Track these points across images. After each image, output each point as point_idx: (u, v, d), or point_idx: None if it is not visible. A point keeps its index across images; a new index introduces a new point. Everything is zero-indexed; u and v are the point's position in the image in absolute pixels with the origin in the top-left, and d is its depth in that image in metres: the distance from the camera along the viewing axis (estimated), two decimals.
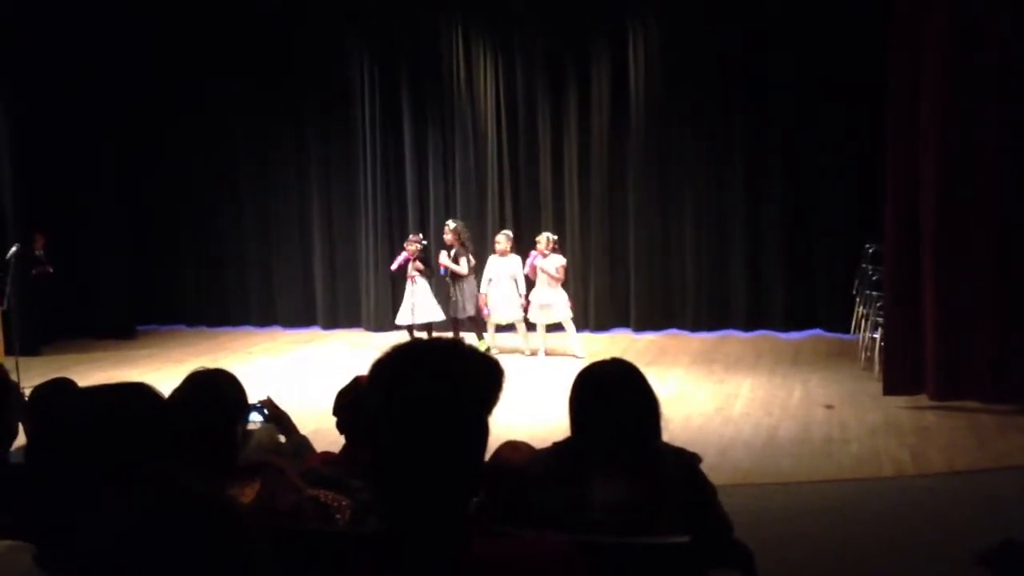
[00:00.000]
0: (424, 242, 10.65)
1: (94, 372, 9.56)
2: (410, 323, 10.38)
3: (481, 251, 10.82)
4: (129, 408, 1.57)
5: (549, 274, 9.95)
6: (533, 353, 10.17)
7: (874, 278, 9.03)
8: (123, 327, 12.05)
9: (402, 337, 10.42)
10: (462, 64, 11.74)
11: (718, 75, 11.05)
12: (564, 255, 10.66)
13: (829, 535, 5.15)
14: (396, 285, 11.42)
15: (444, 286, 10.54)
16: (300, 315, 12.52)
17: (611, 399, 2.68)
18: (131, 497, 1.14)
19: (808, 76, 10.73)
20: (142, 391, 1.62)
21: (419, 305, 10.36)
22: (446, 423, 1.43)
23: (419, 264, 10.38)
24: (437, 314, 10.48)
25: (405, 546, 1.43)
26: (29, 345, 10.02)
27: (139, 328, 12.38)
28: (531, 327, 10.27)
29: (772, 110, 10.97)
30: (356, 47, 11.98)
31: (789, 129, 10.96)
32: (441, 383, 1.44)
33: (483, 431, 1.47)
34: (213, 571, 1.12)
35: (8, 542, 1.61)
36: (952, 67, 7.19)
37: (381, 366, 1.47)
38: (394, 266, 10.73)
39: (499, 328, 10.45)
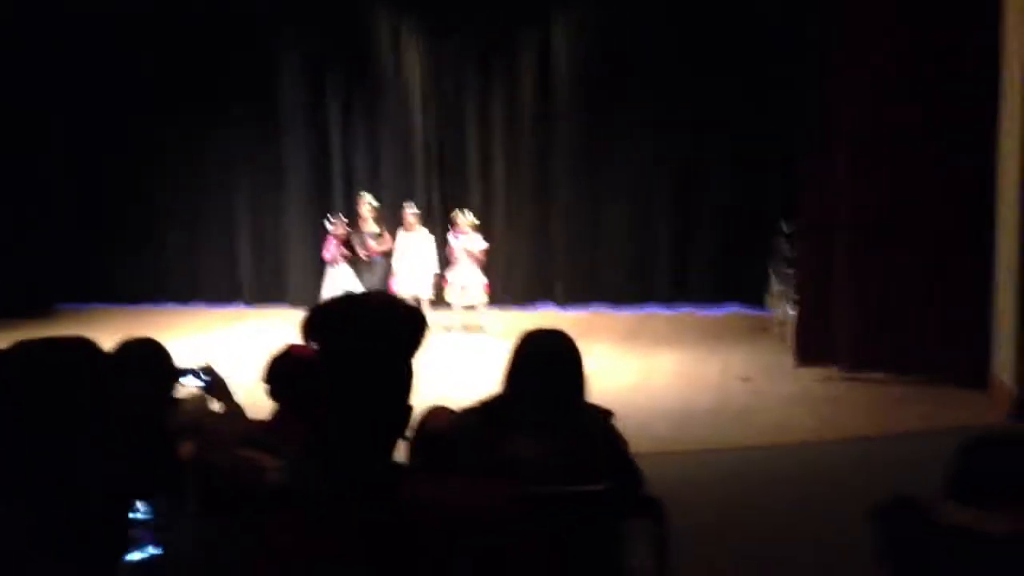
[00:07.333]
0: (348, 225, 10.80)
1: None
2: None
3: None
4: (75, 358, 1.63)
5: (473, 254, 10.01)
6: (447, 330, 10.09)
7: (789, 255, 9.32)
8: (40, 305, 11.76)
9: None
10: (387, 39, 11.74)
11: (645, 51, 11.19)
12: (491, 231, 10.77)
13: (740, 499, 5.38)
14: (324, 262, 11.40)
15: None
16: (224, 291, 12.40)
17: (548, 358, 2.95)
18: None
19: (738, 56, 10.80)
20: (87, 344, 1.69)
21: (343, 288, 10.45)
22: (375, 369, 1.52)
23: (344, 250, 10.56)
24: None
25: (341, 491, 1.52)
26: None
27: (58, 307, 12.11)
28: (446, 304, 10.29)
29: (697, 89, 11.13)
30: (281, 22, 11.86)
31: (714, 108, 11.14)
32: (367, 331, 1.54)
33: (408, 374, 1.57)
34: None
35: None
36: (872, 61, 7.48)
37: (311, 321, 1.57)
38: (328, 255, 10.68)
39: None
